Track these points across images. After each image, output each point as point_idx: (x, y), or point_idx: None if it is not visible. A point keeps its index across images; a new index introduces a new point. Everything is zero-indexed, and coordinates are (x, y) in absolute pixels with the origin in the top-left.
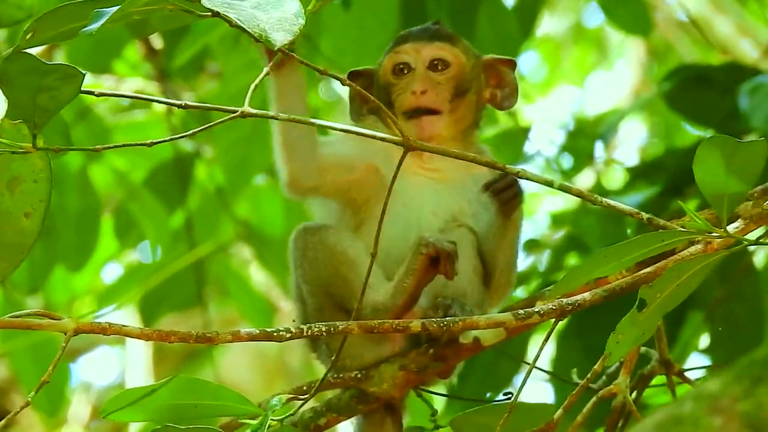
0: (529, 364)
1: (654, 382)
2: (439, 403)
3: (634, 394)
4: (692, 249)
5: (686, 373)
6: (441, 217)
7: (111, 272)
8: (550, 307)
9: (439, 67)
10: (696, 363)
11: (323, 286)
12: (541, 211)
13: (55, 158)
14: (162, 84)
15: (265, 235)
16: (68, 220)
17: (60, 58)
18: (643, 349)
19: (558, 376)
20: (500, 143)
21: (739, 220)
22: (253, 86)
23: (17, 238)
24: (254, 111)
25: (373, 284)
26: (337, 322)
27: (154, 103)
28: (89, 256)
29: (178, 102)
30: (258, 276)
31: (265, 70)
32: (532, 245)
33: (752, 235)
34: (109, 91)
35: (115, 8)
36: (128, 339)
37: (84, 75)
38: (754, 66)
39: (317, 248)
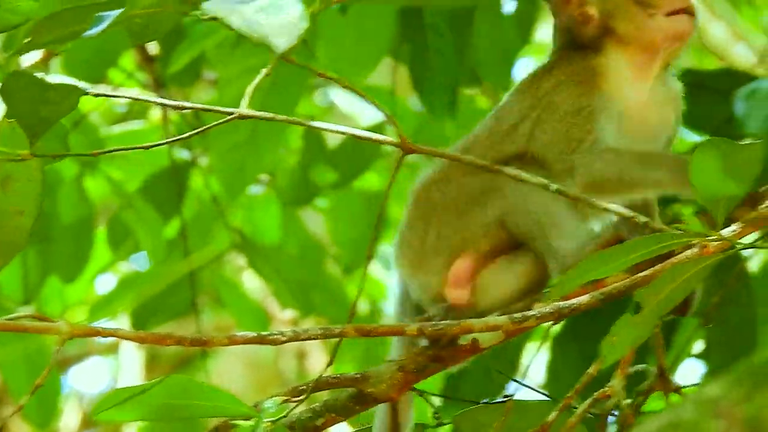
0: (519, 382)
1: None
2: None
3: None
4: (688, 252)
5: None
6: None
7: (104, 283)
8: (547, 310)
9: None
10: (690, 368)
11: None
12: None
13: (51, 164)
14: (158, 92)
15: (260, 244)
16: (63, 230)
17: (56, 67)
18: (640, 366)
19: (545, 393)
20: None
21: (735, 223)
22: (250, 89)
23: (10, 235)
24: (251, 112)
25: (568, 231)
26: (333, 326)
27: (150, 113)
28: (83, 266)
29: (175, 103)
30: (252, 284)
31: (263, 72)
32: None
33: (748, 240)
34: (105, 92)
35: (117, 12)
36: (121, 348)
37: (84, 91)
38: (749, 71)
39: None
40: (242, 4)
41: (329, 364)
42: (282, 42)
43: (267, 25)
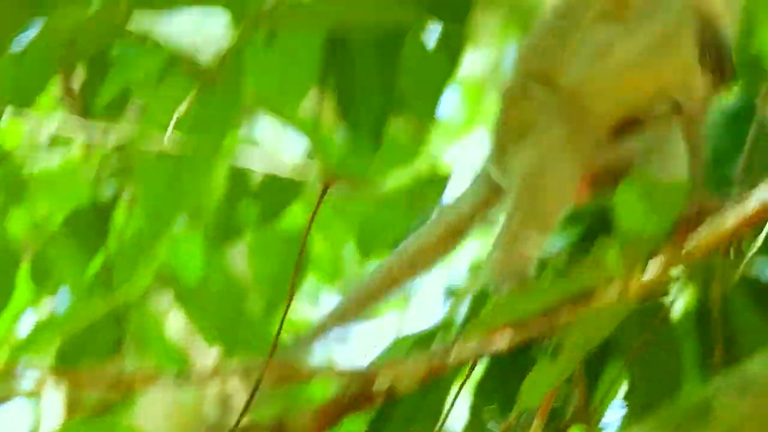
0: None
1: None
2: None
3: None
4: (609, 294)
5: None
6: None
7: (26, 322)
8: (465, 353)
9: None
10: (615, 410)
11: None
12: (461, 257)
13: None
14: (83, 121)
15: (184, 281)
16: None
17: None
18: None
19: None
20: (417, 190)
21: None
22: (176, 115)
23: None
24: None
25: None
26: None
27: (74, 145)
28: (5, 305)
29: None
30: (177, 324)
31: (187, 99)
32: (451, 293)
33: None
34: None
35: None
36: (43, 392)
37: (5, 108)
38: None
39: None
40: (168, 17)
41: (246, 407)
42: (204, 57)
43: (190, 42)
